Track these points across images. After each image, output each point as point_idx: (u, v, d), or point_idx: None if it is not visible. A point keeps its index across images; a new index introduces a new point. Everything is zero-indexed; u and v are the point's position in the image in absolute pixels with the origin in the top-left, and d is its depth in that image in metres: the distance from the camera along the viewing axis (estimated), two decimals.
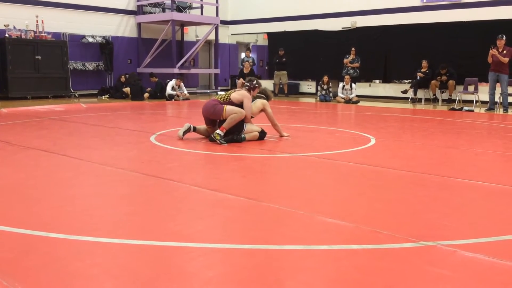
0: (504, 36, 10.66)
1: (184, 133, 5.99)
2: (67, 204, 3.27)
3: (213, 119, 5.90)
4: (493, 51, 10.62)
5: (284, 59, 15.70)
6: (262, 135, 6.02)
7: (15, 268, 2.19)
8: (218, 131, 5.64)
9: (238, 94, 5.92)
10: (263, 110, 6.21)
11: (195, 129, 6.07)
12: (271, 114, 6.23)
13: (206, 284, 2.05)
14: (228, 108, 5.74)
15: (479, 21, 12.76)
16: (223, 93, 6.39)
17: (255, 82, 6.14)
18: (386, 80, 15.26)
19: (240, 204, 3.26)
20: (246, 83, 6.17)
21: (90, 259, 2.31)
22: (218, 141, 5.61)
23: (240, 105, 5.85)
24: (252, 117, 6.10)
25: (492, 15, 12.59)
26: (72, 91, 13.78)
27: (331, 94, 13.97)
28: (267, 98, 6.42)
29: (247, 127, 5.92)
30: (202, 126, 6.13)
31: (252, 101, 6.09)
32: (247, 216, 3.04)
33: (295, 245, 2.50)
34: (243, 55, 17.15)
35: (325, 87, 13.92)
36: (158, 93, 13.77)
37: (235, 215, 3.07)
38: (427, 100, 13.52)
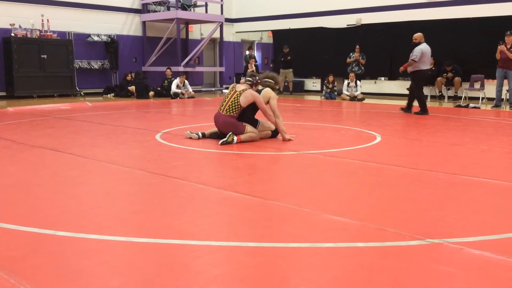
0: None
1: (191, 137, 5.90)
2: (73, 202, 3.28)
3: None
4: (501, 47, 10.54)
5: (289, 57, 15.68)
6: (274, 134, 6.03)
7: (22, 266, 2.20)
8: (235, 138, 5.55)
9: (245, 97, 5.68)
10: (268, 101, 5.94)
11: (204, 136, 5.93)
12: (275, 106, 5.86)
13: (211, 282, 2.05)
14: (249, 128, 5.71)
15: (484, 18, 12.67)
16: (226, 91, 6.07)
17: (257, 77, 5.97)
18: (391, 77, 15.20)
19: (246, 202, 3.27)
20: (248, 78, 5.95)
21: (96, 257, 2.32)
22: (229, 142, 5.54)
23: (252, 105, 5.77)
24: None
25: (498, 11, 12.50)
26: (78, 89, 13.83)
27: (336, 93, 13.95)
28: (276, 83, 6.12)
29: (261, 124, 5.91)
30: (212, 131, 5.99)
31: (260, 91, 5.94)
32: (253, 214, 3.04)
33: (300, 243, 2.50)
34: (246, 53, 17.16)
35: (330, 86, 13.91)
36: (164, 91, 13.79)
37: (241, 213, 3.07)
38: (433, 97, 13.46)
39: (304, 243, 2.50)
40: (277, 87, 6.27)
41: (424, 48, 9.10)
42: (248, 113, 5.81)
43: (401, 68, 9.43)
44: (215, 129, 6.01)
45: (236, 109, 5.70)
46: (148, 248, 2.45)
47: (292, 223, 2.85)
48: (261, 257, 2.34)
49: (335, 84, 13.98)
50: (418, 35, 9.32)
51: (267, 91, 6.01)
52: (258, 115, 5.98)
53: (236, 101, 5.71)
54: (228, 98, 5.81)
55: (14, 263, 2.23)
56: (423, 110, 9.23)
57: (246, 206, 3.19)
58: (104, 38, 14.45)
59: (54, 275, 2.13)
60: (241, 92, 5.75)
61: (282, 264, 2.26)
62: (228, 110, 5.72)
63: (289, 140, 5.83)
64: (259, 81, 5.99)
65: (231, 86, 6.07)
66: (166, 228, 2.75)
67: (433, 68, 13.28)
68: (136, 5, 15.63)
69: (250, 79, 5.94)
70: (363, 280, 2.08)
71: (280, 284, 2.05)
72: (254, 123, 5.87)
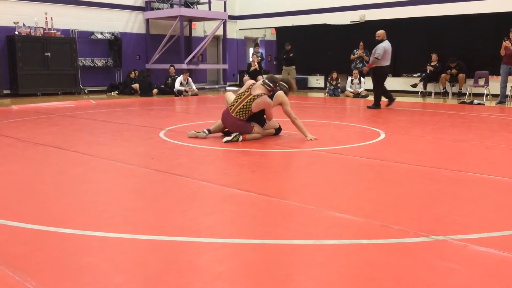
0: None
1: (197, 137, 5.79)
2: (77, 199, 3.29)
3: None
4: (506, 43, 10.49)
5: (291, 54, 15.62)
6: (277, 131, 6.03)
7: (27, 263, 2.21)
8: (240, 137, 5.52)
9: (257, 104, 5.55)
10: (280, 105, 5.87)
11: (210, 132, 5.85)
12: (288, 111, 5.82)
13: (215, 279, 2.06)
14: (257, 129, 5.70)
15: (489, 14, 12.62)
16: (241, 90, 5.84)
17: (278, 83, 5.75)
18: (395, 74, 15.13)
19: (250, 199, 3.27)
20: (268, 83, 5.70)
21: (100, 254, 2.32)
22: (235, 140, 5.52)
23: (261, 110, 5.70)
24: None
25: (502, 7, 12.44)
26: (82, 87, 13.86)
27: (339, 89, 13.93)
28: (290, 88, 6.08)
29: (268, 123, 5.90)
30: (217, 126, 5.94)
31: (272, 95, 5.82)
32: (257, 211, 3.04)
33: (304, 240, 2.50)
34: (251, 50, 17.15)
35: (334, 82, 13.89)
36: (168, 89, 13.80)
37: (245, 210, 3.07)
38: (437, 93, 13.42)
39: (308, 240, 2.50)
40: (290, 92, 6.22)
41: (386, 45, 9.48)
42: (257, 113, 5.72)
43: (365, 69, 9.74)
44: (219, 122, 5.95)
45: (247, 113, 5.60)
46: (152, 245, 2.46)
47: (296, 220, 2.85)
48: (265, 254, 2.34)
49: (339, 81, 13.96)
50: (381, 33, 9.65)
51: (280, 96, 5.86)
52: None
53: (248, 105, 5.58)
54: (241, 99, 5.64)
55: (19, 260, 2.24)
56: (376, 105, 9.71)
57: (250, 203, 3.19)
58: (108, 35, 14.47)
59: (58, 272, 2.13)
60: (255, 97, 5.57)
61: (286, 261, 2.26)
62: (238, 113, 5.61)
63: (315, 139, 5.69)
64: (278, 87, 5.85)
65: (247, 84, 5.84)
66: (170, 225, 2.76)
67: (437, 65, 13.24)
68: (139, 2, 15.64)
69: (271, 84, 5.71)
70: (367, 277, 2.08)
71: (284, 281, 2.05)
72: (262, 122, 5.85)
